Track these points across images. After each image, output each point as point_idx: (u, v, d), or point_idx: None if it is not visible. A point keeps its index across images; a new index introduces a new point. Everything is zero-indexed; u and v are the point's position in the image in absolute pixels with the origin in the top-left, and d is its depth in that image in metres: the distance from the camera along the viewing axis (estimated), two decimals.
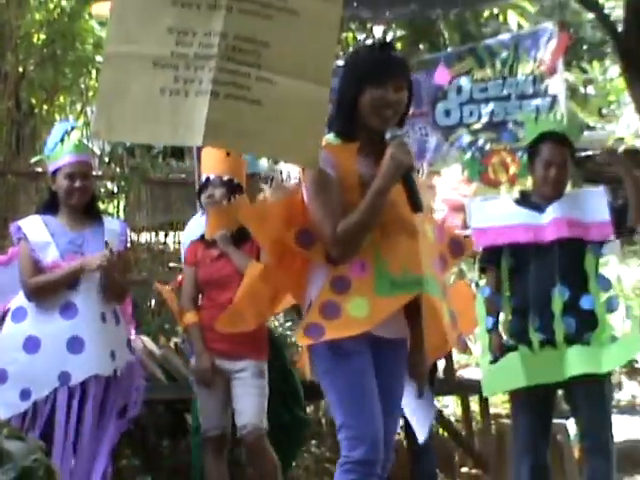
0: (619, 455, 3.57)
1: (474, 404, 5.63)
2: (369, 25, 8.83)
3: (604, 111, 12.27)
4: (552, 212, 3.58)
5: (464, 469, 5.64)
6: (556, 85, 5.31)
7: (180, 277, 4.20)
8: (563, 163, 3.61)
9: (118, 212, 6.70)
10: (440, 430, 5.59)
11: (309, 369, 2.77)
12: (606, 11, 9.55)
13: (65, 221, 3.67)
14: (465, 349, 3.38)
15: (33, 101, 7.38)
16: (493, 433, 5.14)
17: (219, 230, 3.97)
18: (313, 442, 5.41)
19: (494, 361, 3.60)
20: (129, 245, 4.20)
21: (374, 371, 2.61)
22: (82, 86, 7.65)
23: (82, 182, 3.63)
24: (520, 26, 7.90)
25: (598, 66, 12.06)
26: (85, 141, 3.89)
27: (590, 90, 12.27)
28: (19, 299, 3.63)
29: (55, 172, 3.66)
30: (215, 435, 3.93)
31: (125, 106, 2.49)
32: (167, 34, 2.48)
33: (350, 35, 8.85)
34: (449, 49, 7.06)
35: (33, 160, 6.65)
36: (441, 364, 5.10)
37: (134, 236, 6.42)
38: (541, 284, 3.52)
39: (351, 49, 8.19)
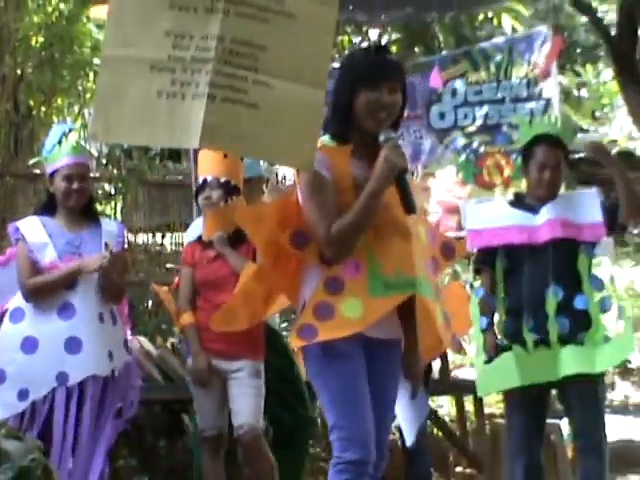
0: (612, 455, 3.59)
1: (468, 404, 5.64)
2: (365, 28, 8.85)
3: (597, 114, 12.31)
4: (546, 213, 3.60)
5: (458, 469, 5.65)
6: (550, 88, 5.32)
7: (177, 278, 4.23)
8: (557, 166, 3.62)
9: (115, 213, 6.72)
10: (435, 430, 5.59)
11: (304, 370, 2.79)
12: (599, 15, 9.60)
13: (63, 222, 3.68)
14: (459, 349, 3.41)
15: (31, 103, 7.36)
16: (487, 433, 5.15)
17: (216, 231, 3.97)
18: (309, 442, 5.43)
19: (488, 361, 3.60)
20: (126, 246, 4.22)
21: (367, 372, 2.62)
22: (80, 88, 7.65)
23: (80, 184, 3.64)
24: (514, 29, 7.89)
25: (591, 69, 12.10)
26: (83, 143, 3.89)
27: (583, 93, 12.31)
28: (17, 300, 3.64)
29: (53, 174, 3.67)
30: (212, 435, 3.93)
31: (122, 108, 2.50)
32: (164, 37, 2.49)
33: (346, 38, 8.86)
34: (444, 52, 7.06)
35: (31, 162, 6.66)
36: (436, 365, 5.12)
37: (131, 237, 6.44)
38: (535, 285, 3.54)
39: (347, 52, 8.22)
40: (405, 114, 2.89)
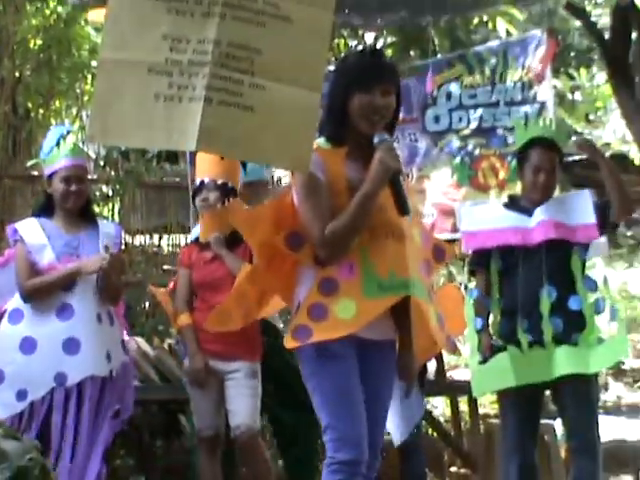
0: (605, 455, 3.60)
1: (463, 404, 5.65)
2: (361, 32, 8.86)
3: (591, 117, 12.35)
4: (539, 215, 3.61)
5: (453, 468, 5.66)
6: (545, 92, 5.31)
7: (174, 279, 4.25)
8: (552, 169, 3.64)
9: (113, 215, 6.74)
10: (430, 430, 5.61)
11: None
12: (593, 19, 9.64)
13: (61, 224, 3.69)
14: (454, 350, 3.42)
15: (29, 105, 7.38)
16: (482, 433, 5.15)
17: (213, 233, 3.99)
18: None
19: (483, 362, 3.62)
20: (123, 247, 4.24)
21: (360, 373, 2.63)
22: (78, 91, 7.68)
23: (78, 186, 3.65)
24: (509, 33, 7.88)
25: (585, 73, 12.12)
26: (80, 145, 3.89)
27: (577, 96, 12.33)
28: (15, 301, 3.65)
29: (51, 175, 3.68)
30: (208, 435, 3.95)
31: (120, 111, 2.50)
32: (161, 41, 2.50)
33: (342, 41, 8.89)
34: (439, 56, 7.06)
35: (29, 164, 6.66)
36: (432, 366, 5.13)
37: (129, 239, 6.47)
38: (529, 286, 3.55)
39: (343, 55, 8.23)
40: (400, 117, 2.90)
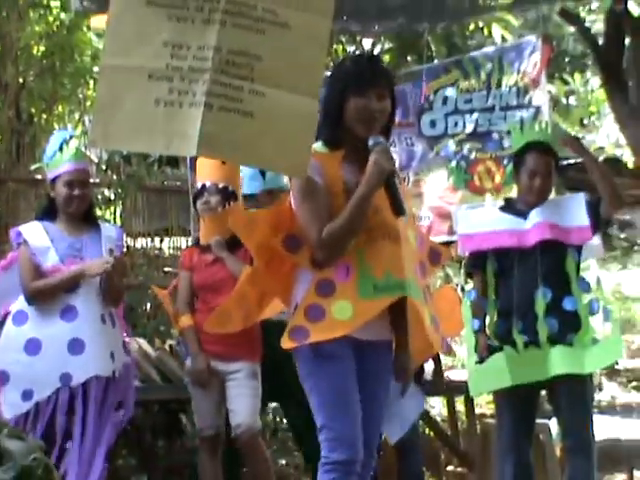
0: (600, 454, 3.62)
1: (460, 404, 5.67)
2: (359, 38, 8.89)
3: (585, 121, 12.39)
4: (534, 217, 3.64)
5: (450, 467, 5.67)
6: (540, 97, 5.30)
7: (175, 281, 4.28)
8: (548, 173, 3.67)
9: (115, 218, 6.76)
10: (427, 430, 5.63)
11: None
12: (587, 25, 9.67)
13: (63, 227, 3.70)
14: (449, 351, 3.45)
15: (33, 110, 7.40)
16: (478, 433, 5.17)
17: (214, 236, 4.02)
18: None
19: (480, 362, 3.64)
20: (125, 250, 4.26)
21: (357, 374, 2.65)
22: (80, 96, 7.71)
23: (81, 190, 3.67)
24: (504, 39, 7.89)
25: (579, 78, 12.14)
26: (83, 149, 3.92)
27: (572, 101, 12.37)
28: (20, 303, 3.66)
29: (54, 179, 3.69)
30: (209, 435, 3.99)
31: (121, 116, 2.51)
32: (162, 47, 2.52)
33: (340, 47, 8.92)
34: (435, 61, 7.07)
35: (33, 167, 6.72)
36: (429, 367, 5.15)
37: (130, 241, 6.50)
38: (525, 287, 3.58)
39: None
40: (397, 122, 2.93)
